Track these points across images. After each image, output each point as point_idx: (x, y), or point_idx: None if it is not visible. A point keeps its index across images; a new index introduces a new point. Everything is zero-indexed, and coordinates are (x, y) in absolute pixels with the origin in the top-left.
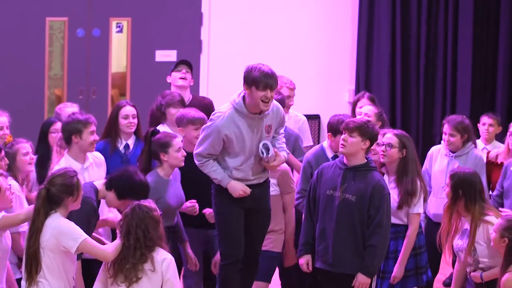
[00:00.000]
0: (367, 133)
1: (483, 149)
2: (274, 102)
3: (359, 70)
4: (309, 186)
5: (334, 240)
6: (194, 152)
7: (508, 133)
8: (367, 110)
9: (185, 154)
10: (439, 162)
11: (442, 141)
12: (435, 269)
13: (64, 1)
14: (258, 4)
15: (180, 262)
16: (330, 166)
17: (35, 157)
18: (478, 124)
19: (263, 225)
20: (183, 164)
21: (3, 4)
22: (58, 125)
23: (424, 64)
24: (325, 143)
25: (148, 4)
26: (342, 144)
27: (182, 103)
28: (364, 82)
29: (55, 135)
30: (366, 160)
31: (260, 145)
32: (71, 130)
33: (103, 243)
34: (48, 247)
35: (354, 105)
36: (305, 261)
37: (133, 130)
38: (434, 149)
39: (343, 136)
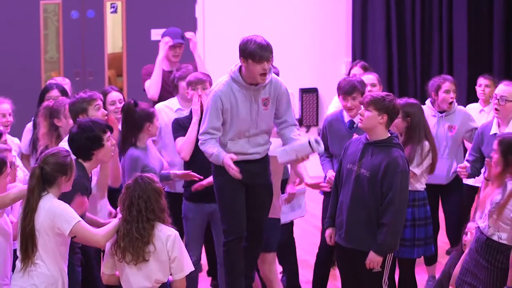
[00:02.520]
0: (384, 107)
1: (481, 111)
2: (273, 75)
3: (354, 42)
4: (339, 160)
5: (347, 215)
6: (199, 133)
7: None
8: (366, 79)
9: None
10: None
11: (428, 101)
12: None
13: None
14: None
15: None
16: (357, 140)
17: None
18: (475, 87)
19: (265, 200)
20: (157, 134)
21: None
22: (55, 93)
23: (419, 30)
24: None
25: None
26: (360, 119)
27: None
28: (360, 53)
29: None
30: (388, 135)
31: (312, 139)
32: (77, 110)
33: (99, 224)
34: (43, 229)
35: (348, 74)
36: (328, 234)
37: (119, 116)
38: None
39: (360, 110)
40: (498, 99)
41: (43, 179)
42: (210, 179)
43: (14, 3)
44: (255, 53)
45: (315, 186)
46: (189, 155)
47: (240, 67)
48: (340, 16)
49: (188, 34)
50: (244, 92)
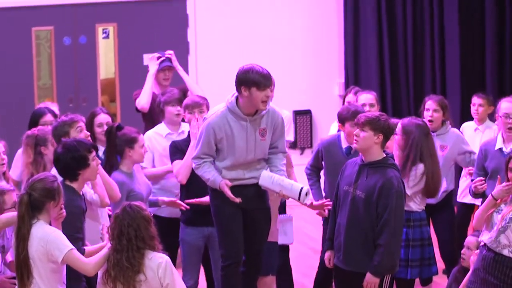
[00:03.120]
0: (379, 127)
1: (476, 129)
2: (271, 105)
3: (347, 63)
4: (337, 182)
5: (345, 237)
6: (192, 157)
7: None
8: (364, 99)
9: (147, 151)
10: None
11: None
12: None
13: (49, 10)
14: (243, 3)
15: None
16: (353, 162)
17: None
18: (470, 105)
19: (263, 224)
20: (143, 161)
21: None
22: (49, 117)
23: (411, 49)
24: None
25: (133, 8)
26: (355, 140)
27: (181, 101)
28: (353, 74)
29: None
30: (383, 156)
31: (305, 189)
32: (59, 134)
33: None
34: (37, 256)
35: (343, 100)
36: (327, 257)
37: None
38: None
39: (355, 131)
40: (504, 117)
41: (31, 206)
42: (205, 198)
43: (6, 30)
44: (259, 81)
45: (319, 207)
46: (186, 178)
47: (237, 98)
48: (332, 38)
49: (167, 53)
50: (240, 123)
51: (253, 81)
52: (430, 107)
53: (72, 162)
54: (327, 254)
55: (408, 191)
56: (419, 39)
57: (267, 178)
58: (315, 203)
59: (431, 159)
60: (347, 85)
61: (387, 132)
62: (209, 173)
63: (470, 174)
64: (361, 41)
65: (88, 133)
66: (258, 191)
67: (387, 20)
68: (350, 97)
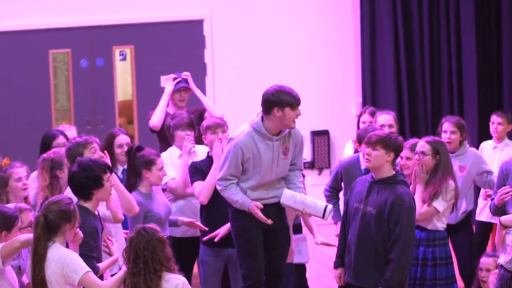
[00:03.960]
0: (391, 144)
1: (495, 147)
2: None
3: (364, 83)
4: (346, 200)
5: (355, 253)
6: (217, 179)
7: None
8: (383, 120)
9: (166, 174)
10: None
11: None
12: None
13: (66, 33)
14: (259, 24)
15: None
16: (362, 180)
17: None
18: (489, 123)
19: (283, 243)
20: (162, 183)
21: (6, 40)
22: (61, 139)
23: (429, 70)
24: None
25: (150, 30)
26: (366, 159)
27: (190, 125)
28: (371, 94)
29: (58, 149)
30: (393, 173)
31: (330, 208)
32: (73, 155)
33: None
34: (54, 279)
35: (358, 120)
36: (337, 275)
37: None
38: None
39: (366, 150)
40: None
41: (47, 228)
42: (226, 227)
43: (23, 53)
44: (293, 101)
45: (326, 244)
46: (207, 199)
47: (262, 117)
48: (349, 58)
49: (184, 74)
50: (266, 143)
51: (286, 101)
52: (448, 129)
53: (87, 181)
54: (337, 271)
55: (440, 207)
56: (436, 58)
57: (289, 197)
58: (319, 241)
59: (454, 174)
60: (364, 105)
61: (397, 150)
62: (236, 195)
63: (488, 196)
64: (378, 61)
65: (102, 154)
66: (279, 210)
67: (404, 39)
68: (365, 117)
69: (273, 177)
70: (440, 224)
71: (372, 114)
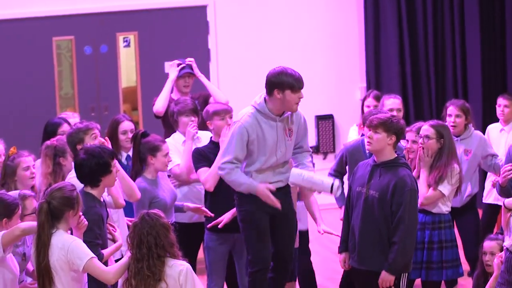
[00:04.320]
0: (392, 127)
1: (501, 130)
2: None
3: (368, 67)
4: (348, 185)
5: (359, 237)
6: (220, 163)
7: None
8: (391, 104)
9: (171, 160)
10: None
11: None
12: None
13: (70, 20)
14: (263, 9)
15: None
16: (364, 164)
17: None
18: (495, 106)
19: (290, 229)
20: (167, 169)
21: (9, 28)
22: (66, 127)
23: (433, 54)
24: None
25: (154, 16)
26: (368, 142)
27: (194, 111)
28: (375, 78)
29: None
30: (395, 156)
31: (337, 183)
32: (74, 141)
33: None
34: (58, 265)
35: (362, 104)
36: (342, 259)
37: (131, 145)
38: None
39: (368, 133)
40: None
41: (51, 214)
42: (230, 213)
43: (27, 40)
44: (294, 83)
45: (329, 233)
46: (213, 186)
47: (265, 99)
48: (353, 42)
49: (188, 60)
50: (270, 123)
51: (287, 83)
52: (452, 112)
53: (97, 168)
54: (342, 256)
55: (446, 191)
56: (440, 42)
57: (297, 175)
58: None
59: (457, 158)
60: (368, 89)
61: (399, 133)
62: (244, 178)
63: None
64: (382, 45)
65: (103, 140)
66: (285, 195)
67: (408, 24)
68: (369, 101)
69: (278, 158)
70: (444, 208)
71: (376, 98)
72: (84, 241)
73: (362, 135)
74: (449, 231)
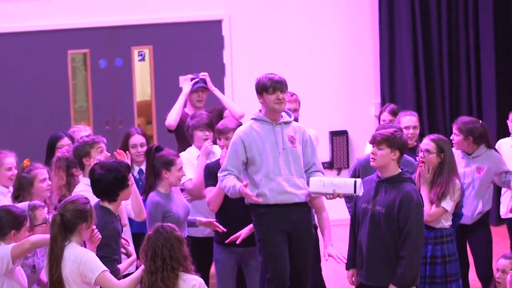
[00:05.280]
0: (395, 143)
1: None
2: (299, 124)
3: (383, 83)
4: (353, 201)
5: (367, 253)
6: (219, 171)
7: None
8: (408, 121)
9: (185, 174)
10: (458, 163)
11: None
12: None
13: (85, 33)
14: (277, 24)
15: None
16: (369, 180)
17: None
18: (507, 121)
19: (306, 249)
20: (180, 184)
21: (25, 40)
22: (66, 141)
23: (447, 69)
24: None
25: (169, 30)
26: (372, 158)
27: (209, 126)
28: (389, 94)
29: (62, 150)
30: (399, 171)
31: (359, 181)
32: (80, 154)
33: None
34: (71, 278)
35: (378, 119)
36: (350, 275)
37: (141, 159)
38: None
39: (372, 149)
40: None
41: (64, 227)
42: (247, 229)
43: (42, 53)
44: (268, 85)
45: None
46: (217, 207)
47: (260, 110)
48: (367, 58)
49: (201, 74)
50: (267, 127)
51: (262, 86)
52: (454, 131)
53: (115, 182)
54: (350, 272)
55: (449, 207)
56: (455, 58)
57: (317, 182)
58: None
59: (457, 173)
60: (383, 105)
61: (403, 148)
62: (230, 182)
63: None
64: (397, 61)
65: (109, 154)
66: (303, 213)
67: (422, 39)
68: (385, 116)
69: (284, 163)
70: (447, 223)
71: (392, 113)
72: (101, 256)
73: None
74: (451, 245)
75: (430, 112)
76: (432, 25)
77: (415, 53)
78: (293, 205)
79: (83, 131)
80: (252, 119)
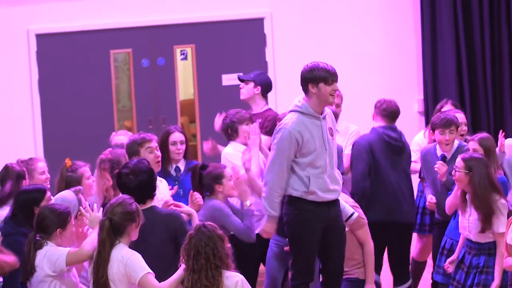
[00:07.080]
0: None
1: None
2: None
3: (426, 80)
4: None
5: None
6: (264, 181)
7: None
8: (459, 118)
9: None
10: None
11: None
12: None
13: (127, 33)
14: (319, 21)
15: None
16: None
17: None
18: None
19: (342, 246)
20: (236, 194)
21: (67, 40)
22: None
23: (490, 66)
24: None
25: (211, 29)
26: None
27: (251, 120)
28: (432, 90)
29: (105, 151)
30: None
31: (355, 215)
32: (130, 153)
33: None
34: (117, 279)
35: (437, 112)
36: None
37: (181, 156)
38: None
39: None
40: None
41: (113, 230)
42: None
43: (84, 53)
44: (326, 76)
45: None
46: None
47: (304, 100)
48: (410, 55)
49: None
50: (315, 123)
51: (319, 77)
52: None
53: (154, 183)
54: None
55: (500, 229)
56: (497, 53)
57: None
58: None
59: (500, 189)
60: (426, 101)
61: None
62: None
63: None
64: (439, 57)
65: (158, 154)
66: (337, 209)
67: (465, 36)
68: (447, 108)
69: (329, 158)
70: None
71: (455, 106)
72: None
73: (434, 140)
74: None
75: (473, 109)
76: (474, 20)
77: (457, 49)
78: (332, 202)
79: (121, 135)
80: (298, 112)
